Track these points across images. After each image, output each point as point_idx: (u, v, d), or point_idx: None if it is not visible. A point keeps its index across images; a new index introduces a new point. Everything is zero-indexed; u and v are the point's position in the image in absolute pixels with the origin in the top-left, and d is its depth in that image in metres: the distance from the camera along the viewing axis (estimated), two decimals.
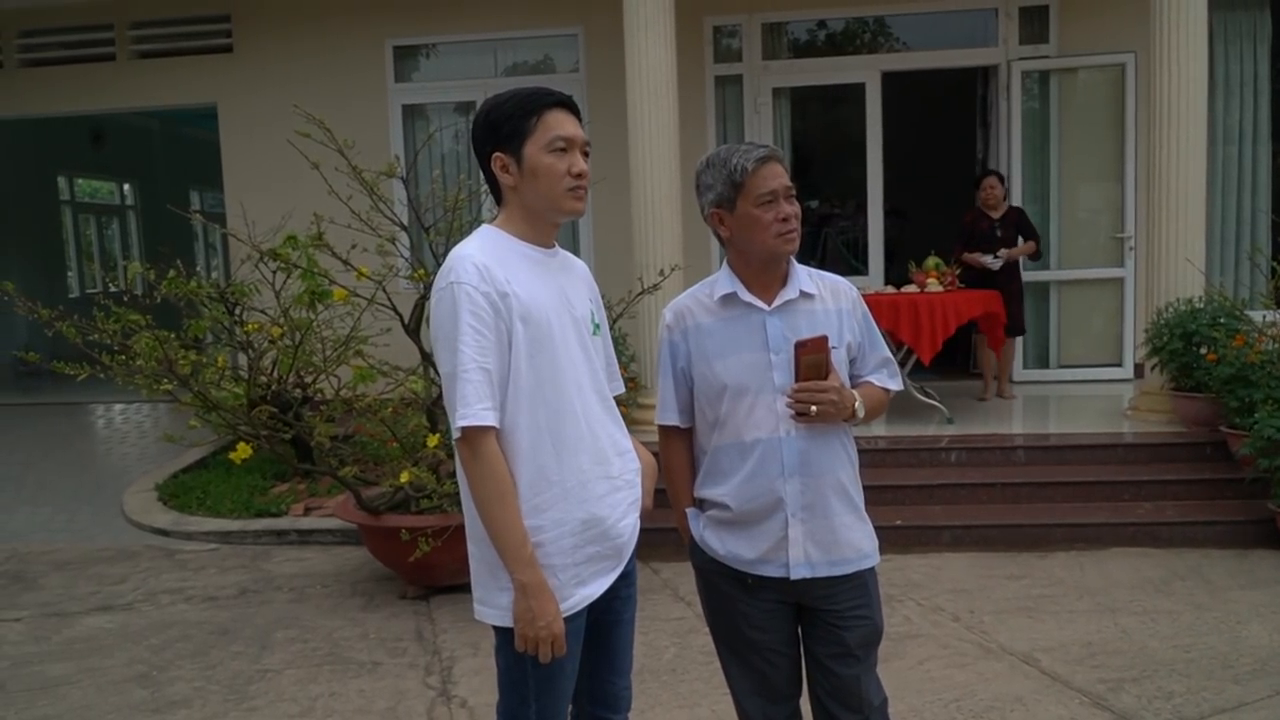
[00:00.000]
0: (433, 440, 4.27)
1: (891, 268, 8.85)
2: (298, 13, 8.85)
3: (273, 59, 8.87)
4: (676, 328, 2.45)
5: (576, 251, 8.84)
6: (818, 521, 2.36)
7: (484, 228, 2.19)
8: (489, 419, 2.02)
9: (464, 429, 2.01)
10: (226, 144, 9.04)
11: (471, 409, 2.01)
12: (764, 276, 2.39)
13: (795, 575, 2.36)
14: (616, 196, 7.97)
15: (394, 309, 4.79)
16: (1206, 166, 6.59)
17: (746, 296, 2.39)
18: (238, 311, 6.46)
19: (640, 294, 4.88)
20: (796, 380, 2.30)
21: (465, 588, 2.31)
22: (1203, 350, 6.13)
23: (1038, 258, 7.88)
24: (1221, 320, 6.19)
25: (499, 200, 2.21)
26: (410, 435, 4.73)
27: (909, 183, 10.15)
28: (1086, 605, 4.63)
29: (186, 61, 9.07)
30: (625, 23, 6.73)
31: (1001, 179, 7.70)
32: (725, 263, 2.46)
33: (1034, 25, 8.46)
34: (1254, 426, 5.34)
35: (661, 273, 4.74)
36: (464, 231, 4.44)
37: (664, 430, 2.51)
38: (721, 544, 2.42)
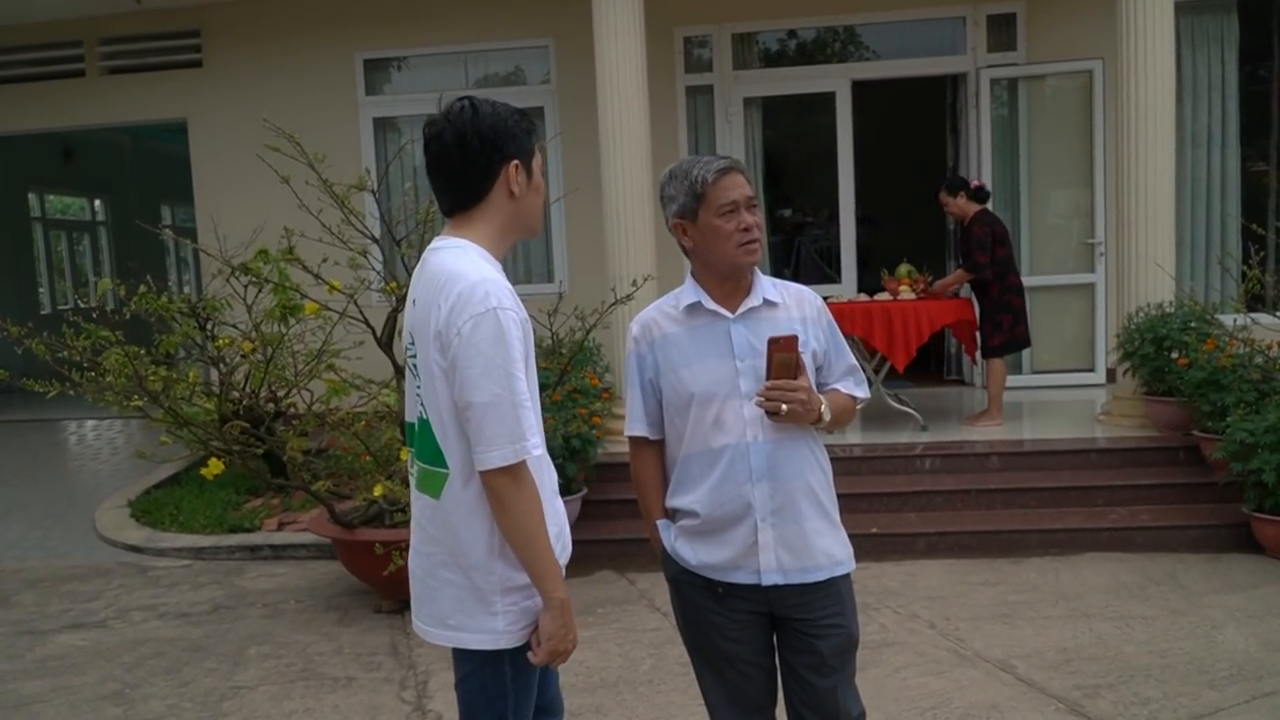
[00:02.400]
0: (405, 453, 4.24)
1: (864, 275, 8.89)
2: (267, 27, 8.81)
3: (243, 74, 8.83)
4: (643, 339, 2.46)
5: (550, 264, 8.86)
6: (788, 526, 2.36)
7: (467, 245, 2.07)
8: (541, 449, 2.07)
9: (516, 460, 1.98)
10: (197, 159, 8.98)
11: (530, 440, 2.00)
12: (727, 285, 2.41)
13: (766, 582, 2.36)
14: (590, 207, 8.00)
15: (366, 322, 4.77)
16: (1175, 171, 6.66)
17: (710, 305, 2.40)
18: (210, 326, 6.42)
19: (613, 305, 4.88)
20: (768, 378, 2.31)
21: None
22: (1174, 355, 6.19)
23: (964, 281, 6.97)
24: (1192, 325, 6.25)
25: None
26: (384, 449, 4.70)
27: (880, 190, 10.20)
28: (1062, 611, 4.65)
29: (156, 77, 9.01)
30: (595, 34, 6.74)
31: (952, 189, 6.97)
32: (690, 274, 2.47)
33: (1002, 33, 8.54)
34: (1226, 430, 5.39)
35: (635, 283, 4.75)
36: None
37: (634, 441, 2.51)
38: (693, 553, 2.42)
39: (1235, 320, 6.22)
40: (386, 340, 4.82)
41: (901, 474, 6.20)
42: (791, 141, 10.50)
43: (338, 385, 5.38)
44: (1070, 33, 8.35)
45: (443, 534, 2.08)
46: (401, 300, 4.76)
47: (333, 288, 4.66)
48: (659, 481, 2.51)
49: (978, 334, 7.00)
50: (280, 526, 6.18)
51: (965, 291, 7.22)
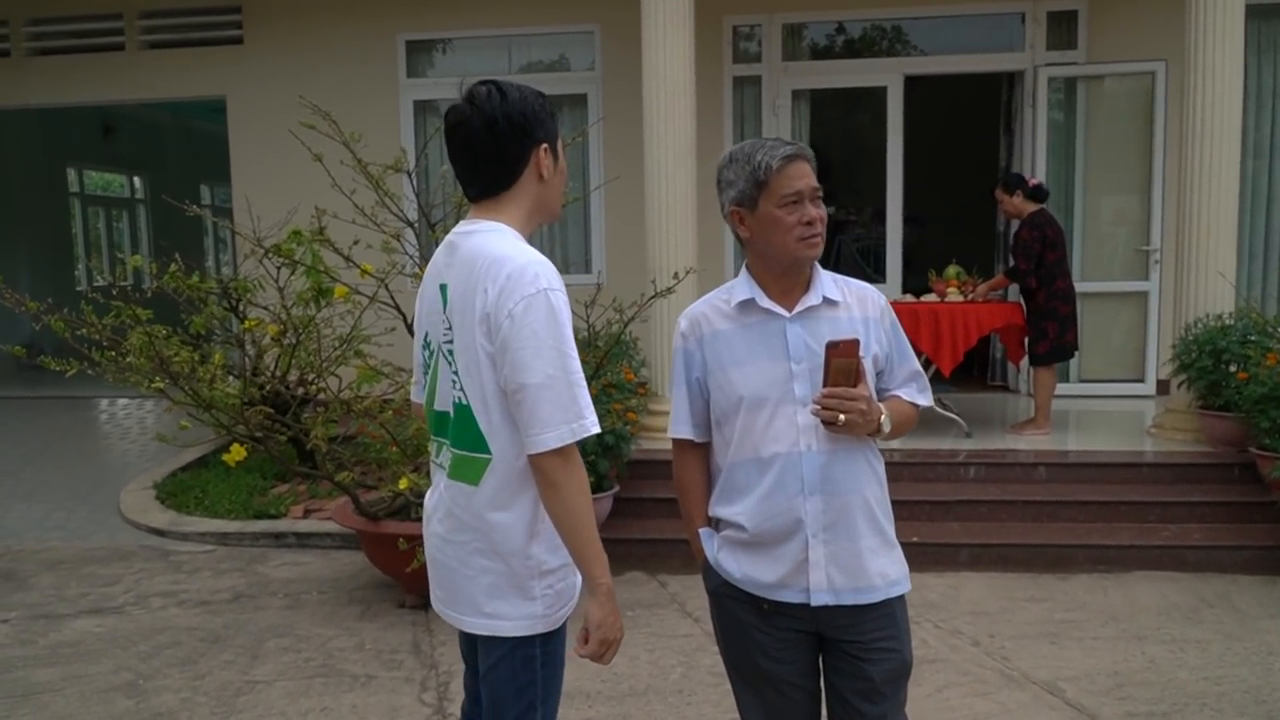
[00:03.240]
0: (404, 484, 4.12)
1: (909, 276, 8.66)
2: (309, 5, 8.71)
3: (283, 52, 8.73)
4: (691, 335, 2.30)
5: (588, 254, 8.71)
6: (841, 544, 2.19)
7: (504, 228, 2.04)
8: (597, 428, 2.00)
9: (572, 440, 1.95)
10: (235, 137, 8.91)
11: (589, 418, 1.97)
12: (784, 281, 2.24)
13: (816, 602, 2.20)
14: (630, 197, 7.83)
15: (397, 308, 4.63)
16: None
17: (765, 302, 2.23)
18: (240, 307, 6.32)
19: (653, 297, 4.71)
20: (825, 385, 2.13)
21: None
22: (1232, 368, 5.93)
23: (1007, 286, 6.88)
24: (1252, 337, 5.99)
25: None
26: (411, 439, 4.56)
27: (928, 190, 9.95)
28: (1112, 632, 4.44)
29: (196, 53, 8.94)
30: (643, 21, 6.57)
31: (1009, 187, 6.70)
32: (744, 266, 2.31)
33: (1062, 31, 8.27)
34: None
35: (675, 276, 4.58)
36: None
37: (677, 444, 2.37)
38: (737, 566, 2.26)
39: None
40: None
41: (944, 481, 5.99)
42: (839, 137, 10.29)
43: (367, 372, 5.25)
44: (1133, 33, 8.06)
45: (480, 521, 2.04)
46: None
47: (365, 271, 4.52)
48: (703, 487, 2.36)
49: (1025, 340, 6.77)
50: (306, 514, 6.08)
51: (1014, 295, 6.98)
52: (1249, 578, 5.15)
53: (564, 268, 8.39)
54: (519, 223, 2.07)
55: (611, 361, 5.83)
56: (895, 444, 6.45)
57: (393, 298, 4.60)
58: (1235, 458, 5.94)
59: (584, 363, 5.61)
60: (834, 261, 10.39)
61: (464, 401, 2.01)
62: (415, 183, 5.41)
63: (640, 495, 5.88)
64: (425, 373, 2.16)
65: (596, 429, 1.97)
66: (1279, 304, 8.06)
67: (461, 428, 2.03)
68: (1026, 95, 8.29)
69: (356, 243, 4.56)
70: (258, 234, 5.37)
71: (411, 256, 4.74)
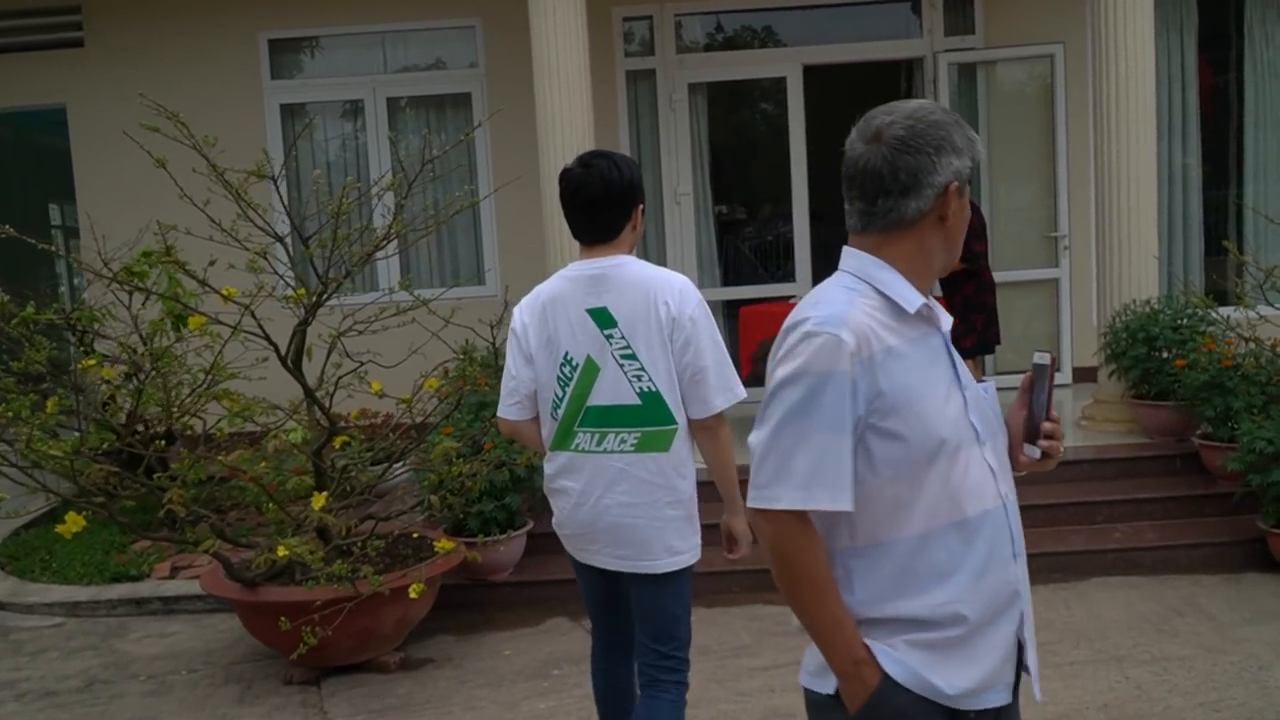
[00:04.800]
0: (318, 500, 3.48)
1: (814, 275, 8.31)
2: (158, 2, 7.87)
3: (130, 55, 7.85)
4: (860, 355, 1.61)
5: (480, 259, 8.09)
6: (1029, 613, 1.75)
7: (638, 259, 2.70)
8: (744, 393, 2.70)
9: (737, 401, 2.66)
10: (78, 149, 7.98)
11: (739, 388, 2.67)
12: (925, 287, 1.74)
13: (1040, 698, 1.82)
14: (525, 201, 7.26)
15: (267, 337, 3.95)
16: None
17: (933, 309, 1.72)
18: (88, 341, 5.52)
19: None
20: (1046, 411, 1.75)
21: (365, 668, 2.46)
22: (1165, 355, 5.71)
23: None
24: (1183, 322, 5.78)
25: None
26: (290, 491, 3.90)
27: (828, 185, 9.64)
28: (1087, 654, 4.07)
29: (29, 58, 7.97)
30: (531, 13, 6.02)
31: None
32: (873, 258, 1.70)
33: (959, 16, 8.03)
34: (1242, 439, 4.89)
35: None
36: (350, 243, 3.66)
37: (800, 520, 1.61)
38: (947, 678, 1.64)
39: (1230, 315, 5.77)
40: (295, 358, 4.02)
41: None
42: (739, 132, 9.89)
43: (241, 405, 4.53)
44: (1030, 16, 7.88)
45: (670, 479, 2.64)
46: (311, 310, 3.98)
47: (227, 296, 3.84)
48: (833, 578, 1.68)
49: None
50: (174, 572, 5.32)
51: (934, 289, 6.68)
52: (1211, 578, 4.88)
53: (455, 280, 7.76)
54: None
55: None
56: None
57: (260, 326, 3.92)
58: (1175, 448, 5.71)
59: (487, 388, 5.05)
60: (727, 264, 10.03)
61: (652, 389, 2.61)
62: (285, 191, 4.74)
63: None
64: (566, 387, 2.65)
65: (744, 394, 2.66)
66: (1200, 286, 7.95)
67: (654, 409, 2.62)
68: (927, 82, 8.02)
69: (213, 262, 3.88)
70: (103, 256, 4.64)
71: (283, 277, 4.06)
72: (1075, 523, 5.32)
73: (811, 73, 8.03)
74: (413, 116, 8.07)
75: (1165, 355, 5.72)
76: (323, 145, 8.15)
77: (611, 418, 2.63)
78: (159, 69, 7.72)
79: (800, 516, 1.60)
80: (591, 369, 2.62)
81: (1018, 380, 6.18)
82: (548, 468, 2.77)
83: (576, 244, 2.71)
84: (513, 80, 7.30)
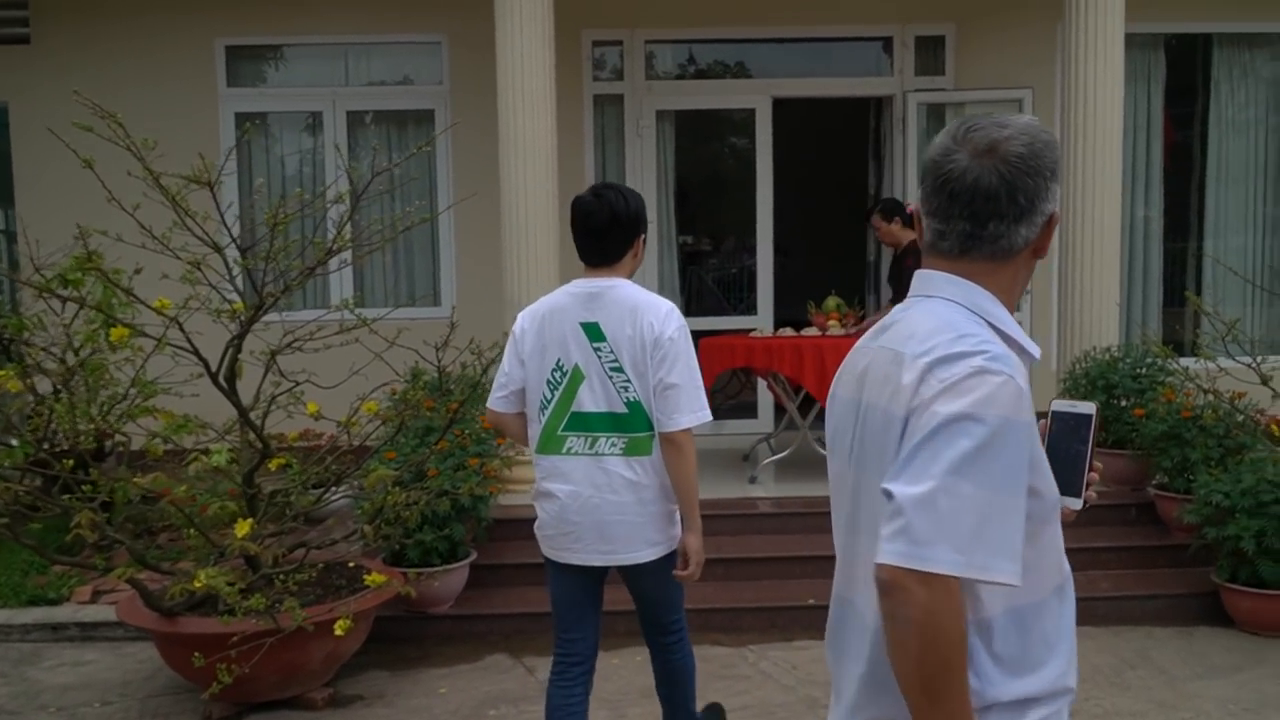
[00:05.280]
0: (242, 528, 3.28)
1: (776, 308, 8.22)
2: (111, 2, 7.65)
3: (80, 55, 7.61)
4: (1027, 408, 1.40)
5: (436, 284, 7.92)
6: None
7: (631, 283, 3.02)
8: (710, 416, 3.00)
9: (701, 422, 2.94)
10: (18, 151, 7.71)
11: (706, 410, 2.94)
12: None
13: None
14: (484, 223, 7.11)
15: (195, 352, 3.73)
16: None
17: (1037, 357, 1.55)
18: (13, 350, 5.27)
19: None
20: (1090, 463, 1.57)
21: (291, 704, 2.45)
22: (1124, 403, 5.66)
23: None
24: (1142, 371, 5.74)
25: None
26: (211, 519, 3.69)
27: (791, 219, 9.58)
28: None
29: None
30: (497, 31, 5.91)
31: (887, 213, 6.39)
32: (983, 290, 1.50)
33: (930, 57, 8.03)
34: (1199, 491, 4.83)
35: None
36: (291, 256, 3.48)
37: (955, 587, 1.34)
38: None
39: (1189, 366, 5.73)
40: (227, 375, 3.81)
41: (829, 532, 5.46)
42: (708, 163, 9.82)
43: (172, 423, 4.31)
44: (1000, 60, 7.88)
45: (653, 479, 2.93)
46: (248, 324, 3.80)
47: (156, 309, 3.64)
48: None
49: None
50: (95, 597, 5.06)
51: None
52: (1164, 630, 4.80)
53: (409, 300, 7.58)
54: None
55: (466, 407, 5.11)
56: (783, 490, 5.95)
57: (189, 340, 3.70)
58: (1131, 497, 5.65)
59: (433, 411, 4.87)
60: (690, 294, 9.93)
61: (636, 399, 2.89)
62: (237, 202, 4.55)
63: (501, 561, 5.14)
64: (555, 390, 2.94)
65: (710, 417, 2.94)
66: (1159, 336, 7.96)
67: (638, 418, 2.90)
68: (896, 121, 7.99)
69: (139, 271, 3.68)
70: (35, 261, 4.41)
71: (218, 289, 3.85)
72: None
73: (781, 106, 7.98)
74: (375, 131, 7.90)
75: (1124, 403, 5.67)
76: (278, 158, 7.95)
77: (601, 423, 2.94)
78: (109, 71, 7.50)
79: (957, 585, 1.34)
80: (578, 376, 2.94)
81: None
82: (536, 471, 3.05)
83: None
84: (478, 98, 7.17)
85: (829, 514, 5.51)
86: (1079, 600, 4.51)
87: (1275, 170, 8.17)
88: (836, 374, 1.63)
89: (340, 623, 3.13)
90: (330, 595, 4.05)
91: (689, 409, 2.87)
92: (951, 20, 7.95)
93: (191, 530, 3.62)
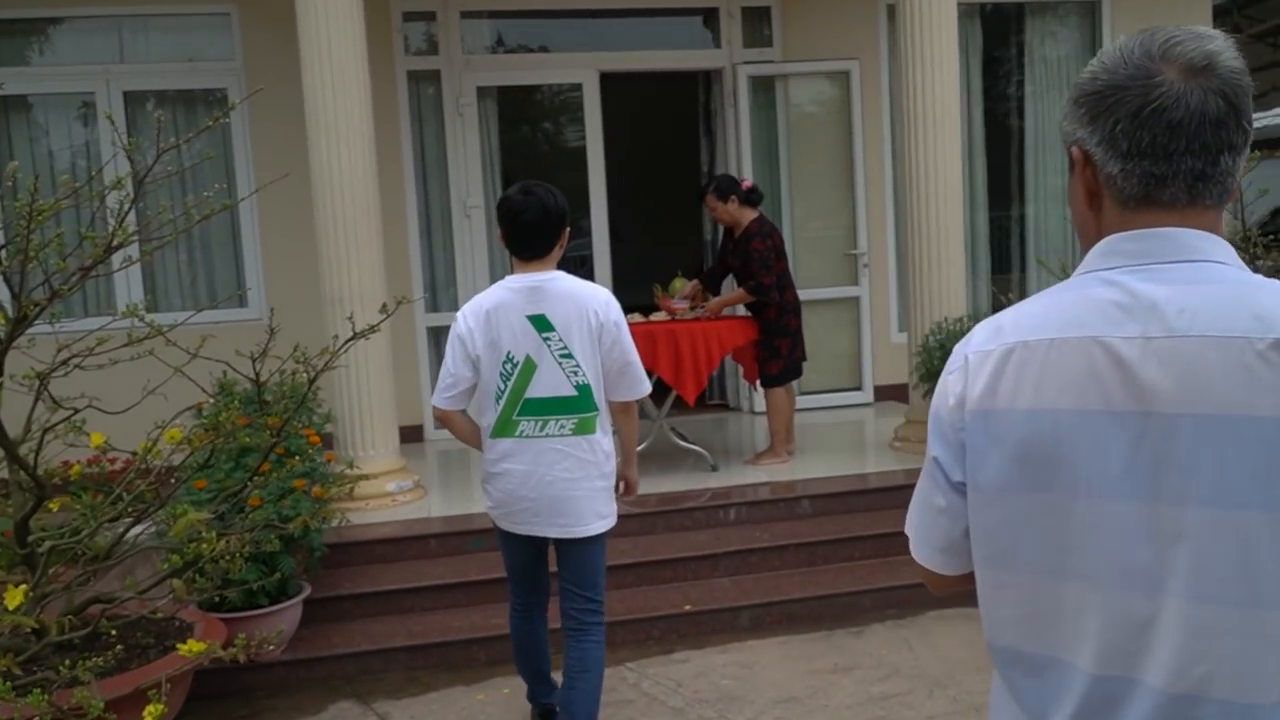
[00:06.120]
0: (14, 597, 2.58)
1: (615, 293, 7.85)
2: None
3: None
4: None
5: (240, 281, 7.14)
6: None
7: (566, 274, 3.29)
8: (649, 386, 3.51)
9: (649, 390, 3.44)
10: None
11: (647, 380, 3.37)
12: None
13: None
14: (292, 208, 6.42)
15: None
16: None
17: None
18: None
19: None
20: None
21: None
22: None
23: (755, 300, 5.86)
24: None
25: None
26: None
27: (622, 200, 9.23)
28: (943, 705, 3.73)
29: None
30: (298, 2, 5.26)
31: (722, 192, 5.91)
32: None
33: (757, 28, 7.81)
34: None
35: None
36: (57, 254, 2.79)
37: None
38: None
39: None
40: None
41: (704, 529, 5.15)
42: (536, 143, 9.33)
43: None
44: (826, 32, 7.75)
45: (596, 456, 3.21)
46: (7, 339, 3.08)
47: None
48: None
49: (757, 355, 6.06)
50: None
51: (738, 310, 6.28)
52: None
53: (209, 299, 6.80)
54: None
55: (290, 422, 4.47)
56: (645, 489, 5.58)
57: None
58: None
59: (250, 430, 4.23)
60: None
61: (585, 382, 3.17)
62: None
63: (339, 591, 4.56)
64: (507, 381, 3.17)
65: (650, 389, 3.45)
66: (988, 303, 8.04)
67: (586, 399, 3.18)
68: (727, 95, 7.74)
69: None
70: None
71: None
72: (902, 552, 4.98)
73: (609, 84, 7.58)
74: (159, 115, 7.02)
75: None
76: (46, 150, 6.95)
77: (550, 407, 3.16)
78: None
79: None
80: (530, 366, 3.15)
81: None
82: (489, 454, 3.24)
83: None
84: (276, 78, 6.45)
85: (696, 510, 5.19)
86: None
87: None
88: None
89: (150, 709, 2.53)
90: (135, 658, 3.39)
91: (640, 381, 3.27)
92: None
93: None
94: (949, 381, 1.25)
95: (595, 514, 3.23)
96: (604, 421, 3.24)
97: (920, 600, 4.70)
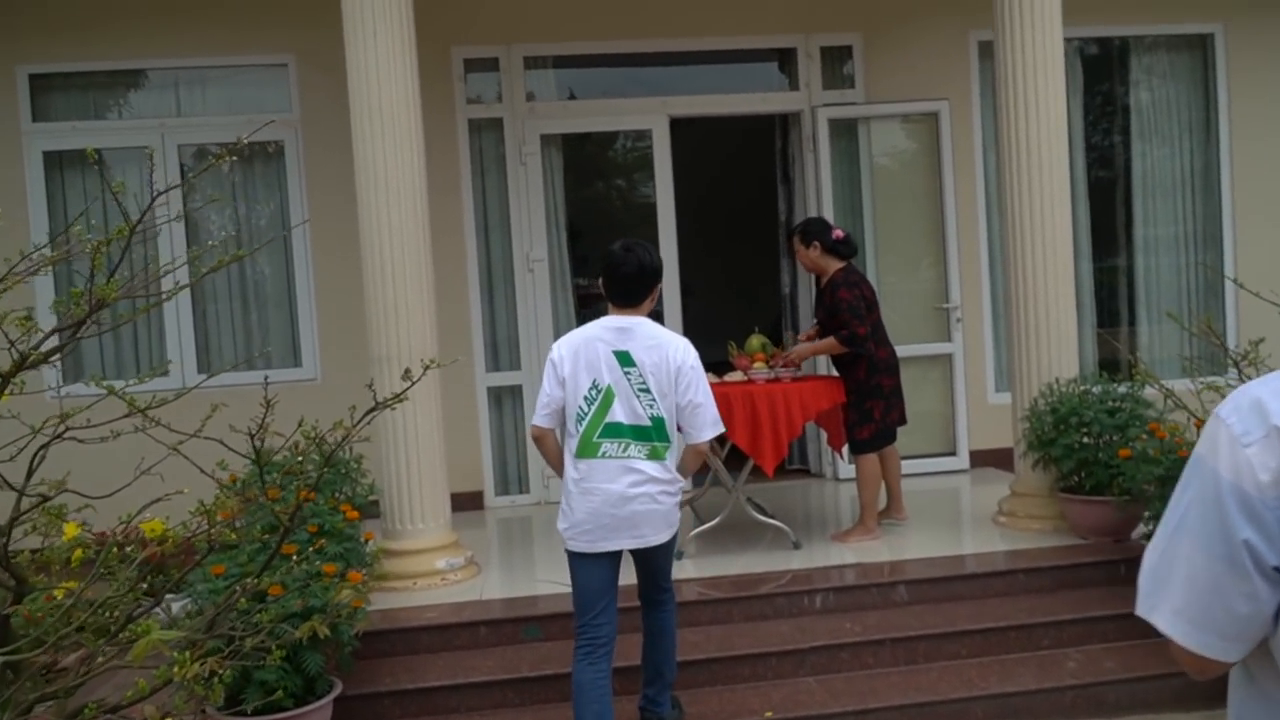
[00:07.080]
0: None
1: None
2: None
3: None
4: None
5: (295, 341, 6.82)
6: None
7: (651, 321, 3.68)
8: (723, 428, 4.06)
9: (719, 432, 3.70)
10: None
11: (721, 424, 3.77)
12: None
13: None
14: (344, 269, 6.10)
15: None
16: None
17: None
18: None
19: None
20: None
21: None
22: (1100, 442, 4.93)
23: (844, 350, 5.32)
24: (1115, 403, 5.03)
25: None
26: None
27: (700, 253, 8.75)
28: None
29: None
30: (347, 44, 4.95)
31: (807, 237, 5.46)
32: None
33: (837, 69, 7.34)
34: None
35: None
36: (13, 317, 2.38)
37: None
38: None
39: (1172, 386, 5.01)
40: None
41: (785, 618, 4.55)
42: (603, 194, 8.94)
43: None
44: (912, 71, 7.24)
45: (670, 476, 3.55)
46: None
47: None
48: None
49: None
50: None
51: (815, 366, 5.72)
52: (1184, 716, 4.01)
53: (266, 361, 6.49)
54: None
55: (322, 491, 4.04)
56: (715, 570, 5.00)
57: None
58: (1116, 551, 4.90)
59: (277, 502, 3.80)
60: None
61: (659, 415, 3.52)
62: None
63: (376, 689, 4.07)
64: (591, 405, 3.51)
65: (724, 429, 3.81)
66: (1094, 360, 7.37)
67: (659, 430, 3.53)
68: (806, 140, 7.26)
69: None
70: None
71: None
72: (1017, 650, 4.39)
73: (679, 128, 7.17)
74: (215, 168, 6.79)
75: (1099, 443, 4.94)
76: (99, 200, 6.75)
77: (628, 432, 3.49)
78: None
79: None
80: (610, 394, 3.50)
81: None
82: (573, 473, 3.53)
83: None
84: (332, 129, 6.20)
85: (776, 595, 4.29)
86: (1083, 686, 3.63)
87: (1202, 180, 7.70)
88: None
89: None
90: None
91: (712, 423, 3.59)
92: (857, 30, 7.29)
93: None
94: (1251, 454, 1.19)
95: (667, 525, 3.59)
96: (674, 454, 3.58)
97: (1042, 710, 4.05)
